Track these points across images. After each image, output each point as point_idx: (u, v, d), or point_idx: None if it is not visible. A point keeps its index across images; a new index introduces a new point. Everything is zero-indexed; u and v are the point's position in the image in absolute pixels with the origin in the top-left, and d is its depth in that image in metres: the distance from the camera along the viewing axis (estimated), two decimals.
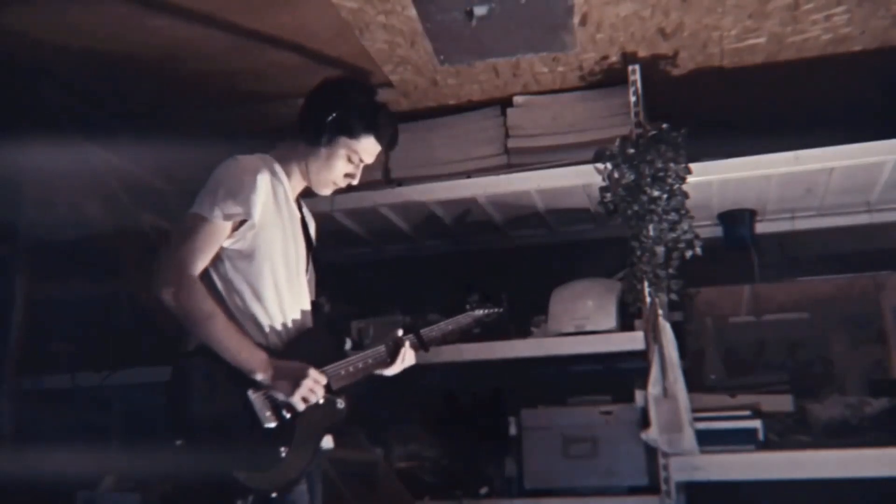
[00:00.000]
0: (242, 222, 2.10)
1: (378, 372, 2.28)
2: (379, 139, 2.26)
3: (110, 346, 3.68)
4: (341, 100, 2.24)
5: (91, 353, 3.69)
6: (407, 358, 2.29)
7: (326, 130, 2.21)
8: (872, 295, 3.48)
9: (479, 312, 2.59)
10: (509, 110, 3.52)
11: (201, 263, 2.06)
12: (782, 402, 3.17)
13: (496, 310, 2.64)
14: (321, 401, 2.07)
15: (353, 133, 2.22)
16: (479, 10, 2.80)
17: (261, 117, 3.70)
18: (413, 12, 2.86)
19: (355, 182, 2.32)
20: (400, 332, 2.32)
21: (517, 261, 3.96)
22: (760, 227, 3.66)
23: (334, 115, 2.21)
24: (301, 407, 2.03)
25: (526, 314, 3.42)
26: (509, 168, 3.43)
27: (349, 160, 2.25)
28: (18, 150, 3.12)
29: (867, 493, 2.87)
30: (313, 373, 2.04)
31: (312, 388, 2.03)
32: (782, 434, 3.07)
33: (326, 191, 2.31)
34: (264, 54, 3.15)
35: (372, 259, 4.10)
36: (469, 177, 3.41)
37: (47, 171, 3.26)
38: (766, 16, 2.95)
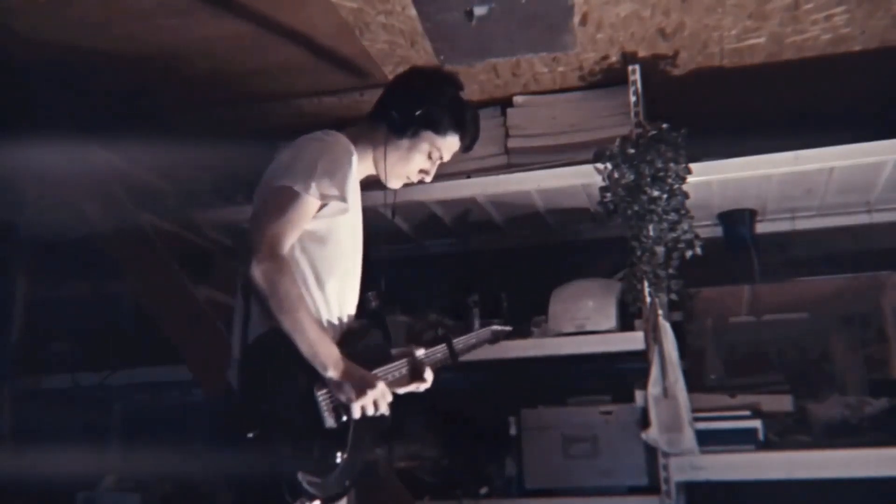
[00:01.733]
0: (325, 204, 1.99)
1: (406, 390, 2.15)
2: (462, 138, 2.22)
3: (110, 346, 3.67)
4: (434, 94, 2.18)
5: (91, 353, 3.68)
6: (425, 382, 2.16)
7: (414, 123, 2.14)
8: (872, 295, 3.48)
9: (496, 328, 2.48)
10: (509, 110, 3.52)
11: (291, 241, 1.93)
12: (782, 402, 3.16)
13: (506, 328, 2.53)
14: (377, 413, 1.95)
15: (440, 129, 2.17)
16: (479, 10, 2.80)
17: (261, 117, 3.70)
18: (413, 12, 2.86)
19: (429, 179, 2.26)
20: (420, 353, 2.17)
21: (517, 261, 3.95)
22: (760, 227, 3.66)
23: (425, 108, 2.15)
24: (358, 415, 1.91)
25: (526, 314, 3.42)
26: (509, 168, 3.42)
27: (429, 156, 2.20)
28: (18, 150, 3.12)
29: (867, 493, 2.87)
30: (382, 385, 1.93)
31: (377, 400, 1.92)
32: (782, 434, 3.07)
33: (397, 183, 2.23)
34: (264, 54, 3.15)
35: (372, 259, 4.09)
36: (469, 177, 3.40)
37: (47, 171, 3.26)
38: (766, 16, 2.95)
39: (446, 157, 2.24)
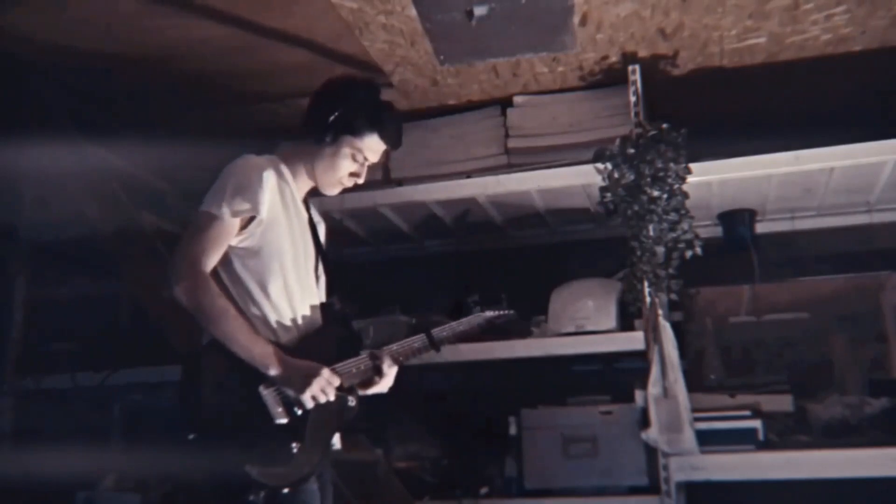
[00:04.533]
0: (250, 220, 2.12)
1: (364, 392, 2.23)
2: (383, 137, 2.28)
3: (110, 346, 3.68)
4: (345, 98, 2.26)
5: (91, 353, 3.69)
6: (388, 377, 2.24)
7: (331, 129, 2.23)
8: (872, 295, 3.48)
9: (490, 314, 2.56)
10: (509, 110, 3.52)
11: (212, 260, 2.09)
12: (782, 402, 3.17)
13: (507, 312, 2.61)
14: (332, 399, 2.07)
15: (356, 131, 2.24)
16: (479, 10, 2.80)
17: (261, 117, 3.70)
18: (413, 12, 2.86)
19: (361, 181, 2.33)
20: (386, 360, 2.23)
21: (517, 261, 3.96)
22: (760, 227, 3.66)
23: (338, 113, 2.22)
24: (310, 404, 2.04)
25: (526, 314, 3.42)
26: (509, 168, 3.43)
27: (354, 159, 2.27)
28: (18, 150, 3.12)
29: (867, 493, 2.87)
30: (326, 372, 2.05)
31: (324, 387, 2.04)
32: (782, 434, 3.07)
33: (333, 191, 2.32)
34: (264, 54, 3.15)
35: (372, 259, 4.10)
36: (469, 177, 3.41)
37: (47, 171, 3.26)
38: (766, 16, 2.95)
39: (372, 158, 2.31)
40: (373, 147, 2.28)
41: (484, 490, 3.21)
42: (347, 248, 4.04)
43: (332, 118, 2.22)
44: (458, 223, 3.77)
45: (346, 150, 2.25)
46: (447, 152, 3.53)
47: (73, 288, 3.84)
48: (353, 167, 2.28)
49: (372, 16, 2.91)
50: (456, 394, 3.68)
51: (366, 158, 2.29)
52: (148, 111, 3.61)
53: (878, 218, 3.59)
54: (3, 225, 3.63)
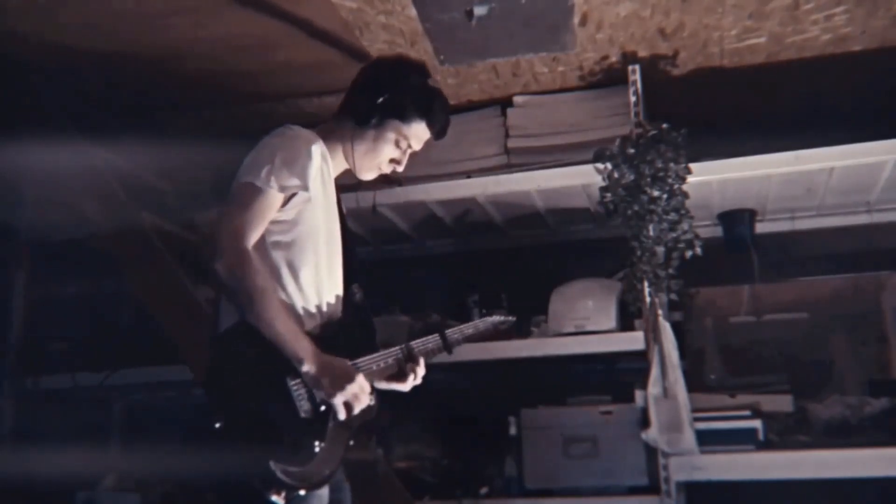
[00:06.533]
0: (293, 195, 1.99)
1: (390, 387, 2.13)
2: (430, 126, 2.18)
3: (110, 346, 3.67)
4: (395, 81, 2.15)
5: (91, 353, 3.68)
6: (420, 371, 2.14)
7: (377, 111, 2.12)
8: (872, 295, 3.48)
9: (496, 319, 2.45)
10: (509, 110, 3.52)
11: (255, 235, 1.94)
12: (782, 402, 3.17)
13: (510, 318, 2.48)
14: (365, 406, 1.94)
15: (405, 117, 2.13)
16: (479, 10, 2.80)
17: (261, 117, 3.69)
18: (413, 12, 2.86)
19: (400, 169, 2.23)
20: (421, 361, 2.14)
21: (517, 261, 3.96)
22: (760, 227, 3.66)
23: (387, 95, 2.12)
24: (342, 413, 1.90)
25: (526, 314, 3.42)
26: (509, 168, 3.43)
27: (397, 145, 2.17)
28: (18, 150, 3.12)
29: (867, 493, 2.88)
30: (360, 379, 1.92)
31: (357, 394, 1.91)
32: (782, 434, 3.07)
33: (369, 175, 2.21)
34: (264, 54, 3.15)
35: (372, 259, 4.10)
36: (469, 177, 3.41)
37: (47, 170, 3.26)
38: (766, 16, 2.95)
39: (416, 146, 2.21)
40: (419, 135, 2.18)
41: (484, 490, 3.21)
42: None
43: (379, 100, 2.11)
44: (458, 223, 3.77)
45: (391, 135, 2.14)
46: (447, 152, 3.52)
47: (73, 288, 3.84)
48: (395, 153, 2.17)
49: (372, 16, 2.91)
50: (456, 394, 3.68)
51: (409, 146, 2.18)
52: (148, 111, 3.61)
53: (878, 218, 3.59)
54: (3, 225, 3.63)
